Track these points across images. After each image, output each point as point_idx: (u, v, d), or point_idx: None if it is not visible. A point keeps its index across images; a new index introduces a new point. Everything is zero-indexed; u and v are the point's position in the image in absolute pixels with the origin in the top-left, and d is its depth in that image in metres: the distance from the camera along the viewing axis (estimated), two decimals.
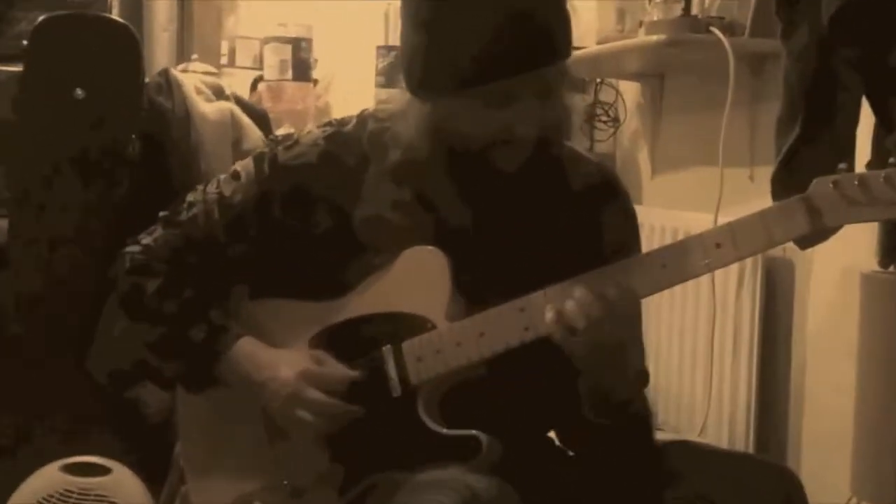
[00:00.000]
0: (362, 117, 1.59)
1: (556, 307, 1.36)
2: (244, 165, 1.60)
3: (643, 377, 1.54)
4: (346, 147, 1.56)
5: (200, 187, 1.63)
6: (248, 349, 1.54)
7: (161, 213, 1.64)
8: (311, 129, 1.62)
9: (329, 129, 1.59)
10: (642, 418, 1.51)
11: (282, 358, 1.53)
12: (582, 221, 1.54)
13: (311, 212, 1.55)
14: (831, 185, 1.32)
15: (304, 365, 1.51)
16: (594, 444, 1.50)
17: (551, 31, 1.39)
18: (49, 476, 2.36)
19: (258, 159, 1.59)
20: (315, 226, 1.54)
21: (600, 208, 1.56)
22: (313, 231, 1.54)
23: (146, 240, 1.61)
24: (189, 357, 1.56)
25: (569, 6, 1.44)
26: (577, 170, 1.56)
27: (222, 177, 1.61)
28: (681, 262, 1.38)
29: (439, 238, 1.49)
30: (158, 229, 1.62)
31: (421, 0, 1.41)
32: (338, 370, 1.51)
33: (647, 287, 1.39)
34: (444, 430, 1.46)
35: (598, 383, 1.44)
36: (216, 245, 1.58)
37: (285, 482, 1.55)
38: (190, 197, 1.62)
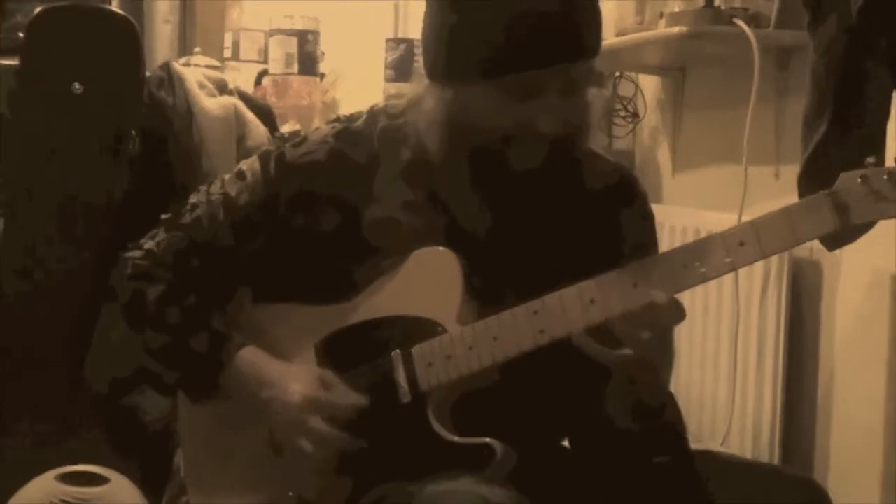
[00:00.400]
0: (373, 113, 1.59)
1: (585, 320, 1.36)
2: (249, 164, 1.60)
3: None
4: (356, 144, 1.56)
5: (203, 187, 1.62)
6: (250, 360, 1.54)
7: (163, 216, 1.63)
8: (319, 126, 1.62)
9: (338, 126, 1.58)
10: (675, 425, 1.51)
11: (287, 375, 1.52)
12: (598, 223, 1.54)
13: (319, 212, 1.54)
14: (859, 180, 1.32)
15: (310, 390, 1.49)
16: (623, 452, 1.50)
17: (583, 27, 1.40)
18: (45, 485, 2.37)
19: (264, 158, 1.59)
20: (323, 226, 1.54)
21: (617, 210, 1.56)
22: (322, 231, 1.54)
23: (148, 244, 1.61)
24: (190, 367, 1.56)
25: (598, 3, 1.45)
26: (594, 170, 1.57)
27: (226, 176, 1.61)
28: (702, 261, 1.37)
29: (451, 239, 1.49)
30: (161, 233, 1.61)
31: None
32: (345, 398, 1.50)
33: (668, 287, 1.39)
34: (456, 438, 1.46)
35: (631, 389, 1.43)
36: (222, 248, 1.58)
37: (291, 494, 1.54)
38: (193, 198, 1.62)
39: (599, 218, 1.55)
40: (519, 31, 1.36)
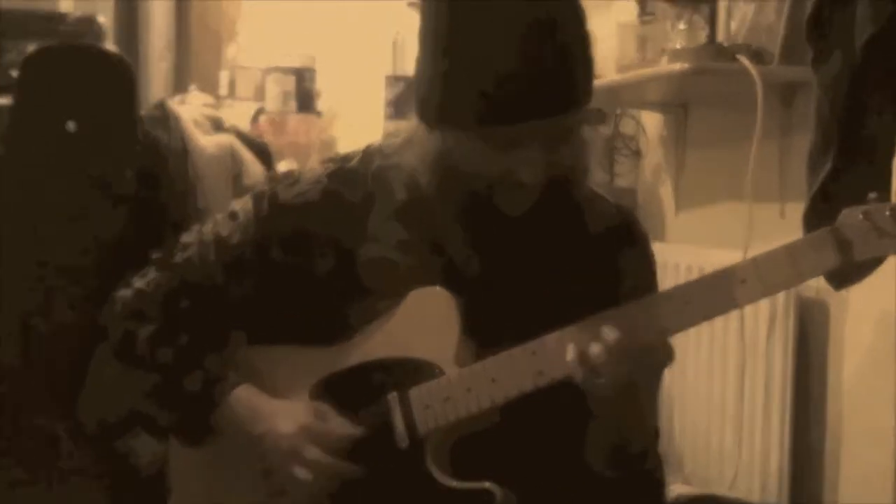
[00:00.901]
0: (368, 152, 1.59)
1: (578, 347, 1.36)
2: (242, 204, 1.60)
3: (655, 433, 1.56)
4: (351, 184, 1.56)
5: (196, 227, 1.63)
6: (245, 398, 1.53)
7: (154, 255, 1.64)
8: (313, 166, 1.62)
9: (332, 166, 1.59)
10: (655, 473, 1.51)
11: (281, 409, 1.52)
12: (597, 265, 1.54)
13: (313, 253, 1.54)
14: (861, 216, 1.32)
15: (304, 419, 1.49)
16: (602, 499, 1.49)
17: (570, 81, 1.38)
18: None
19: (257, 198, 1.59)
20: (317, 267, 1.54)
21: (617, 253, 1.56)
22: (315, 273, 1.54)
23: (139, 283, 1.61)
24: (184, 407, 1.55)
25: (592, 49, 1.43)
26: (594, 212, 1.56)
27: (219, 216, 1.61)
28: (705, 299, 1.37)
29: (448, 279, 1.49)
30: (151, 272, 1.61)
31: (439, 32, 1.40)
32: (340, 427, 1.49)
33: (669, 326, 1.38)
34: (455, 483, 1.45)
35: (615, 432, 1.43)
36: (213, 288, 1.58)
37: None
38: (185, 238, 1.62)
39: (599, 260, 1.54)
40: (505, 85, 1.35)
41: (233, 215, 1.59)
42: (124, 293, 1.61)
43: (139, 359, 1.57)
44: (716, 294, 1.37)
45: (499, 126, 1.37)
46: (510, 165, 1.39)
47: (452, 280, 1.48)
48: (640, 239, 1.60)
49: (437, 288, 1.48)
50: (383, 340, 1.50)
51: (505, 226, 1.46)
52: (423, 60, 1.44)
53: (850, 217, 1.33)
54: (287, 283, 1.55)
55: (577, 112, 1.40)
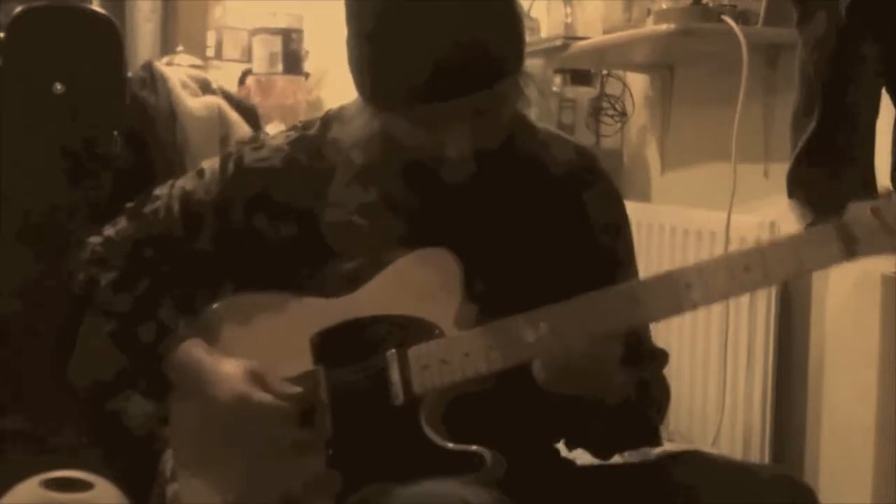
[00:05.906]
0: (326, 119, 1.61)
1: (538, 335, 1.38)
2: (210, 164, 1.63)
3: (662, 357, 1.59)
4: (311, 152, 1.58)
5: (170, 181, 1.66)
6: (194, 355, 1.55)
7: (127, 204, 1.67)
8: (277, 133, 1.65)
9: (293, 134, 1.61)
10: (643, 410, 1.56)
11: (221, 372, 1.52)
12: (563, 210, 1.56)
13: (274, 216, 1.57)
14: (870, 212, 1.30)
15: (239, 387, 1.49)
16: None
17: (488, 56, 1.38)
18: (29, 492, 2.36)
19: (224, 159, 1.62)
20: (279, 231, 1.57)
21: (581, 194, 1.58)
22: (276, 236, 1.57)
23: (109, 231, 1.64)
24: (139, 358, 1.57)
25: (518, 20, 1.43)
26: (551, 157, 1.59)
27: (190, 172, 1.65)
28: (705, 282, 1.37)
29: (411, 240, 1.50)
30: (122, 220, 1.65)
31: (360, 18, 1.41)
32: (275, 392, 1.48)
33: (670, 307, 1.40)
34: (447, 444, 1.46)
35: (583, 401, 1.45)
36: (174, 241, 1.61)
37: (279, 490, 1.53)
38: (157, 190, 1.65)
39: (564, 205, 1.56)
40: (417, 67, 1.35)
41: (200, 173, 1.63)
42: (94, 240, 1.64)
43: (98, 304, 1.60)
44: (718, 279, 1.36)
45: (418, 106, 1.39)
46: (437, 142, 1.42)
47: (416, 240, 1.50)
48: (601, 177, 1.62)
49: (442, 249, 1.49)
50: (386, 297, 1.51)
51: (458, 189, 1.49)
52: (349, 43, 1.45)
53: (859, 213, 1.30)
54: (247, 244, 1.58)
55: (501, 85, 1.40)
